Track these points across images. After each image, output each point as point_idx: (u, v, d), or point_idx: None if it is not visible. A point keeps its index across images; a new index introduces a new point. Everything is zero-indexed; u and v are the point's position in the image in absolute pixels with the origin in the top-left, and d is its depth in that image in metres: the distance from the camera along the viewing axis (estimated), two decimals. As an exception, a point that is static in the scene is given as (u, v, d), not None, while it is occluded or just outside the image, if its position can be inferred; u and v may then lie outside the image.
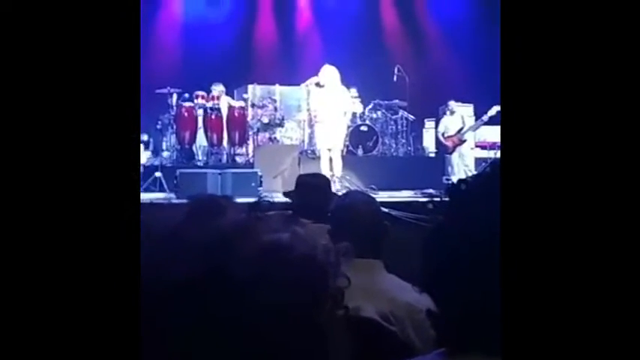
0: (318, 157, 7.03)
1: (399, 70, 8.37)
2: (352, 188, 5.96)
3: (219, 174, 6.21)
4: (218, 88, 7.89)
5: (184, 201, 0.52)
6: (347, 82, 6.95)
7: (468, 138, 8.12)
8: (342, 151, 6.97)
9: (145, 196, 5.95)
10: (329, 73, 6.58)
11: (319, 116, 6.72)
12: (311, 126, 7.99)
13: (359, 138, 7.94)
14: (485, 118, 7.86)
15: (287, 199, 2.73)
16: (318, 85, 6.73)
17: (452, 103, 8.24)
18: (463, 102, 8.50)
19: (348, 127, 7.52)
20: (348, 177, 6.92)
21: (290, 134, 8.02)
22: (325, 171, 6.33)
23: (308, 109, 8.14)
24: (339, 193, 2.75)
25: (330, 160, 6.63)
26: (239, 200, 0.57)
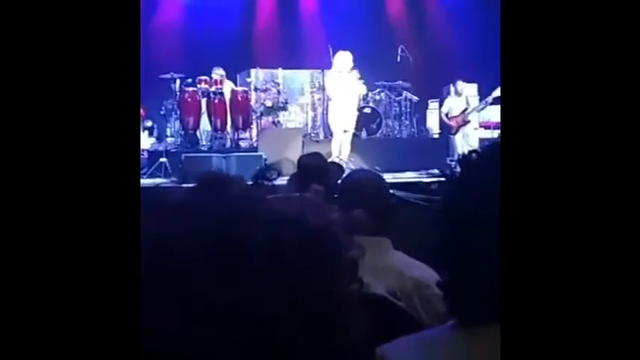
0: (322, 140, 7.04)
1: (402, 51, 8.30)
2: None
3: (224, 158, 6.23)
4: (219, 72, 7.87)
5: (191, 185, 0.52)
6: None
7: (471, 119, 8.08)
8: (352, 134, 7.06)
9: (151, 181, 5.98)
10: (344, 58, 6.66)
11: (334, 99, 6.79)
12: (314, 109, 7.98)
13: (362, 120, 7.93)
14: (489, 99, 7.81)
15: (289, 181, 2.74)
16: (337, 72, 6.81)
17: (459, 83, 8.18)
18: (467, 81, 8.43)
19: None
20: (352, 159, 6.92)
21: (293, 118, 8.01)
22: (335, 153, 6.40)
23: (312, 93, 8.12)
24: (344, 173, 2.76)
25: (341, 143, 6.73)
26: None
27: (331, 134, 7.08)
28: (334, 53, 6.94)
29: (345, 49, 6.87)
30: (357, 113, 7.13)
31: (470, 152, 0.82)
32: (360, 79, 7.31)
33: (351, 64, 6.74)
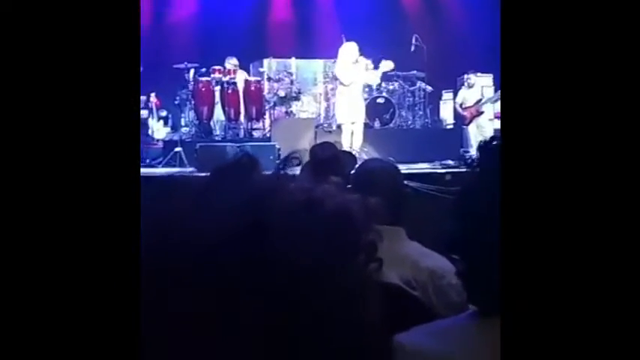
0: (334, 131, 7.02)
1: (417, 40, 8.24)
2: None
3: (238, 147, 6.25)
4: (232, 62, 7.87)
5: (208, 173, 0.52)
6: (364, 52, 6.91)
7: (486, 110, 8.01)
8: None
9: (167, 171, 6.01)
10: (349, 49, 6.62)
11: (341, 91, 6.76)
12: (327, 99, 7.96)
13: (376, 110, 7.89)
14: (504, 89, 7.73)
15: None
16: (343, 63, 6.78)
17: (471, 76, 8.11)
18: (482, 72, 8.35)
19: (365, 99, 7.49)
20: (365, 150, 6.91)
21: (306, 108, 8.00)
22: (346, 144, 6.38)
23: (324, 83, 8.10)
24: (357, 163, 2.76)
25: (352, 133, 6.68)
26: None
27: (339, 125, 7.05)
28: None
29: (357, 39, 6.83)
30: (364, 104, 7.08)
31: (488, 141, 0.82)
32: (374, 68, 7.28)
33: (357, 55, 6.67)
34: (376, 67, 6.98)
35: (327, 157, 2.63)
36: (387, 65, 6.92)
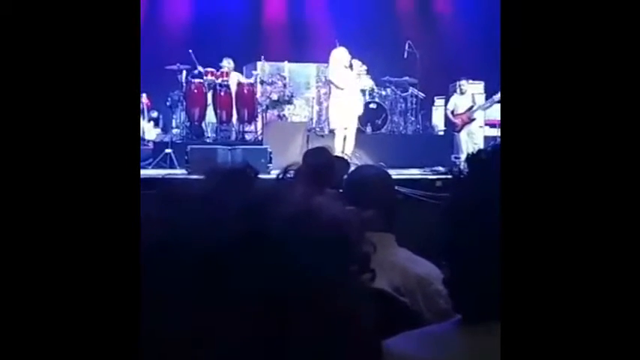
0: (327, 135, 7.03)
1: (409, 46, 8.28)
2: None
3: (230, 150, 6.24)
4: (227, 63, 7.87)
5: (198, 177, 0.52)
6: (356, 57, 6.93)
7: (477, 117, 8.06)
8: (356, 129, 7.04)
9: (157, 173, 5.99)
10: (340, 55, 6.63)
11: (334, 95, 6.77)
12: (320, 103, 7.98)
13: (368, 115, 7.91)
14: (496, 97, 7.78)
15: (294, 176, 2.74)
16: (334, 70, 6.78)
17: (463, 82, 8.16)
18: (474, 79, 8.41)
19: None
20: (357, 154, 6.93)
21: (298, 112, 8.01)
22: (338, 149, 6.39)
23: (317, 87, 8.12)
24: (350, 168, 2.77)
25: (344, 138, 6.70)
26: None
27: (332, 130, 7.06)
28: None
29: (350, 44, 6.85)
30: (357, 109, 7.09)
31: (478, 150, 0.83)
32: (367, 74, 7.30)
33: (348, 60, 6.67)
34: (369, 68, 6.97)
35: (321, 163, 2.64)
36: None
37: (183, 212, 0.47)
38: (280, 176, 0.55)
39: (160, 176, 5.52)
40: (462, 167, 0.85)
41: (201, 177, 0.51)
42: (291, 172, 0.57)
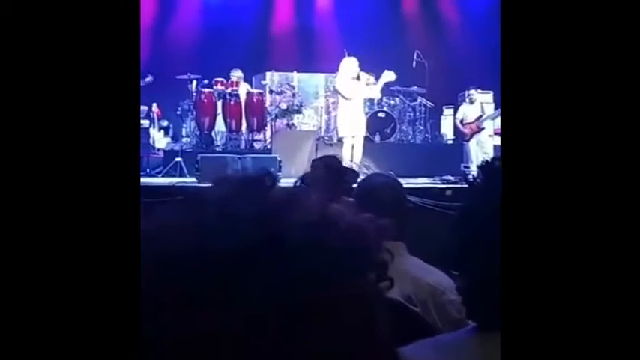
0: (335, 144, 7.04)
1: (418, 56, 8.29)
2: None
3: (239, 158, 6.27)
4: (236, 74, 7.92)
5: (208, 185, 0.52)
6: (365, 67, 6.96)
7: (486, 126, 8.04)
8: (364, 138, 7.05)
9: (167, 181, 6.02)
10: (350, 64, 6.66)
11: (342, 104, 6.79)
12: (329, 112, 8.00)
13: (376, 124, 7.92)
14: (504, 106, 7.76)
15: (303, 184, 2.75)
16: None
17: (473, 92, 8.15)
18: (483, 89, 8.40)
19: (366, 113, 7.52)
20: (366, 163, 6.93)
21: (307, 120, 8.04)
22: (347, 157, 6.40)
23: (326, 97, 8.14)
24: (360, 177, 2.78)
25: (352, 146, 6.71)
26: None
27: (340, 139, 7.07)
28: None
29: (359, 54, 6.88)
30: (365, 118, 7.11)
31: (492, 159, 0.83)
32: (375, 83, 7.32)
33: (358, 71, 6.71)
34: (378, 78, 7.00)
35: (330, 171, 2.64)
36: (389, 76, 6.93)
37: (208, 218, 0.48)
38: (297, 184, 0.56)
39: (171, 184, 5.54)
40: (475, 176, 0.85)
41: (220, 185, 0.51)
42: (306, 180, 0.57)
